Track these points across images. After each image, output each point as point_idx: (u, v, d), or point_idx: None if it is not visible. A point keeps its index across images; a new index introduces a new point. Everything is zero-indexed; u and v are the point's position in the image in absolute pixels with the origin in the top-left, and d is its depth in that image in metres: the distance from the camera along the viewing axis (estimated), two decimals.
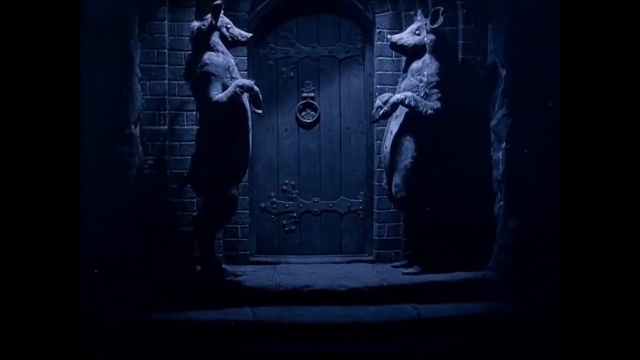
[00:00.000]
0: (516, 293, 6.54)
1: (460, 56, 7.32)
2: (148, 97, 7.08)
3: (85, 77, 5.38)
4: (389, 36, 7.19)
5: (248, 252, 7.53)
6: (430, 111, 6.85)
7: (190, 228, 6.81)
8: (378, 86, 7.48)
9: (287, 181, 7.82)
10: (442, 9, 6.94)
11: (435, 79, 6.92)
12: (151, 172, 7.08)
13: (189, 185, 6.76)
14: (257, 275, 6.95)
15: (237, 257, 7.40)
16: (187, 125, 7.14)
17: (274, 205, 7.80)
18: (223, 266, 6.88)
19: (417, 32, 7.06)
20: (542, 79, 6.64)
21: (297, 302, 6.45)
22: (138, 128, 6.78)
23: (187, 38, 6.77)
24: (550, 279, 5.65)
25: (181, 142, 7.10)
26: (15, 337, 4.39)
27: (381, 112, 6.99)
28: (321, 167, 7.84)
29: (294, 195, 7.81)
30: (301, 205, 7.83)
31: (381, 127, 7.32)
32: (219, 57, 6.54)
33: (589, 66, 4.67)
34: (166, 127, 7.16)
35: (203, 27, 6.57)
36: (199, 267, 6.74)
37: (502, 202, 6.93)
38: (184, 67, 6.67)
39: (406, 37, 7.09)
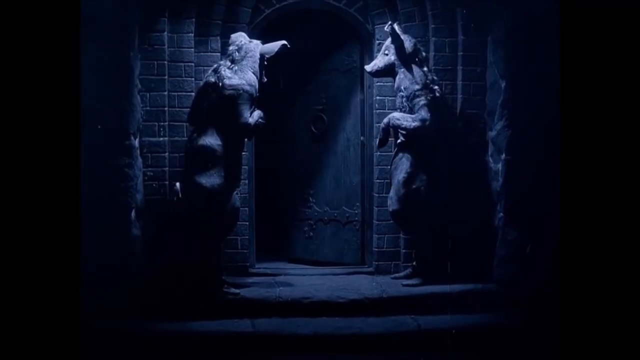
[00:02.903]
0: (516, 305, 6.54)
1: (460, 67, 7.34)
2: (148, 108, 7.08)
3: (85, 89, 5.38)
4: (365, 66, 7.35)
5: (248, 264, 7.52)
6: (414, 124, 6.88)
7: (191, 239, 6.80)
8: (378, 98, 7.50)
9: (306, 190, 8.05)
10: (389, 23, 7.03)
11: (412, 89, 6.96)
12: (151, 183, 7.07)
13: (177, 197, 6.75)
14: (257, 286, 6.94)
15: (237, 269, 7.39)
16: (187, 137, 7.13)
17: (297, 213, 8.07)
18: (223, 277, 6.87)
19: (385, 52, 7.15)
20: (541, 91, 6.65)
21: (297, 314, 6.45)
22: (138, 139, 6.78)
23: (231, 47, 6.77)
24: (550, 290, 5.65)
25: (181, 154, 7.08)
26: (14, 347, 4.39)
27: (377, 141, 7.19)
28: (329, 177, 7.98)
29: (311, 204, 8.02)
30: (315, 214, 8.03)
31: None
32: (257, 83, 6.70)
33: (589, 77, 4.67)
34: (166, 138, 7.16)
35: (251, 47, 6.74)
36: (199, 278, 6.72)
37: (501, 214, 6.93)
38: (221, 73, 6.61)
39: (378, 60, 7.21)
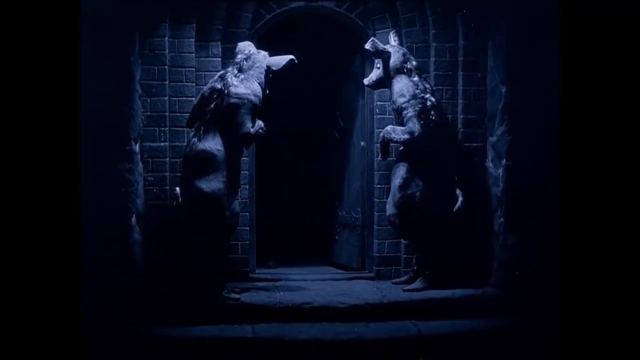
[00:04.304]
0: (516, 310, 6.54)
1: (461, 72, 7.34)
2: (148, 113, 7.08)
3: (86, 94, 5.40)
4: (364, 80, 7.38)
5: (248, 269, 7.51)
6: (404, 136, 6.89)
7: (191, 243, 6.79)
8: (378, 103, 7.51)
9: (332, 194, 8.29)
10: (371, 39, 7.02)
11: (399, 102, 6.96)
12: (151, 188, 7.08)
13: (177, 202, 6.75)
14: (257, 291, 6.94)
15: (238, 274, 7.38)
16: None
17: (328, 216, 8.34)
18: (224, 282, 6.86)
19: (377, 65, 7.17)
20: (542, 96, 6.65)
21: (297, 319, 6.44)
22: (138, 145, 6.78)
23: (239, 56, 6.78)
24: (550, 295, 5.65)
25: (182, 159, 7.07)
26: (16, 351, 4.39)
27: (380, 155, 7.19)
28: (345, 182, 8.13)
29: (335, 208, 8.21)
30: (337, 218, 8.22)
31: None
32: (261, 94, 6.71)
33: (589, 83, 4.68)
34: (167, 143, 7.16)
35: (259, 58, 6.75)
36: (199, 283, 6.72)
37: (502, 219, 6.92)
38: (227, 80, 6.61)
39: (372, 74, 7.25)
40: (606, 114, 4.63)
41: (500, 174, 6.95)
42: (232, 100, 6.55)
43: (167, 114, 7.16)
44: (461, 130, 7.34)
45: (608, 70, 4.66)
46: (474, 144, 7.34)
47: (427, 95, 6.95)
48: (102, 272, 6.12)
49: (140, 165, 6.82)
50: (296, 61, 6.76)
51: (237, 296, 6.68)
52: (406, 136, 6.88)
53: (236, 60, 6.77)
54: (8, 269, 4.39)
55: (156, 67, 7.12)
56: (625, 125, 4.59)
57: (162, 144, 7.16)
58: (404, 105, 6.92)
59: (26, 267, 4.44)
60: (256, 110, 6.68)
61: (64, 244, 4.57)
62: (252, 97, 6.62)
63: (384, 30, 7.43)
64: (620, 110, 4.61)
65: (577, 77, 4.72)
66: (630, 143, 4.57)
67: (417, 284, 7.04)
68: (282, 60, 6.74)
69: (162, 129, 7.16)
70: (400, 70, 7.03)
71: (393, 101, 7.02)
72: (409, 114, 6.89)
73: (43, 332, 4.44)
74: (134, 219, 6.59)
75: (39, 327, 4.44)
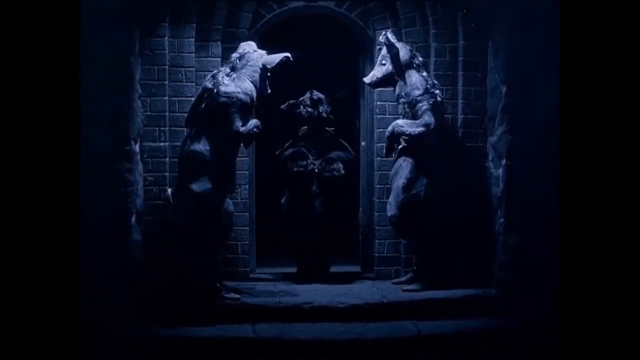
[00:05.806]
0: (516, 310, 6.53)
1: (461, 72, 7.34)
2: (148, 113, 7.08)
3: (86, 93, 5.39)
4: (364, 78, 7.34)
5: (248, 269, 7.51)
6: (419, 129, 6.85)
7: (186, 244, 6.79)
8: (378, 103, 7.51)
9: (356, 194, 8.17)
10: (383, 33, 7.02)
11: (413, 95, 6.93)
12: (151, 188, 7.07)
13: (169, 203, 6.75)
14: (257, 291, 6.94)
15: (237, 274, 7.38)
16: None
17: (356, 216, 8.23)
18: (224, 282, 6.86)
19: (382, 62, 7.13)
20: (542, 96, 6.64)
21: (297, 319, 6.44)
22: (138, 144, 6.77)
23: (234, 55, 6.75)
24: (550, 295, 5.65)
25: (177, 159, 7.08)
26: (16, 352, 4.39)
27: (384, 150, 7.15)
28: (357, 181, 8.07)
29: (359, 206, 8.12)
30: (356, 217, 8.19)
31: (382, 143, 7.33)
32: (254, 92, 6.64)
33: (589, 82, 4.68)
34: (166, 143, 7.16)
35: (253, 57, 6.69)
36: (196, 283, 6.71)
37: (502, 219, 6.92)
38: (218, 79, 6.57)
39: (376, 71, 7.20)
40: (606, 113, 4.64)
41: (501, 174, 6.95)
42: (222, 99, 6.51)
43: (166, 113, 7.16)
44: (461, 130, 7.35)
45: (608, 70, 4.66)
46: (474, 144, 7.34)
47: (437, 91, 6.98)
48: (101, 272, 6.11)
49: (140, 165, 6.81)
50: (291, 59, 6.74)
51: (237, 296, 6.68)
52: (422, 129, 6.84)
53: (230, 59, 6.76)
54: (8, 268, 4.40)
55: (156, 67, 7.11)
56: (625, 125, 4.59)
57: (161, 143, 7.15)
58: (418, 98, 6.89)
59: (26, 267, 4.44)
60: (248, 109, 6.62)
61: (64, 244, 4.57)
62: (242, 96, 6.55)
63: (384, 30, 7.42)
64: (620, 109, 4.61)
65: (576, 77, 4.72)
66: (630, 142, 4.57)
67: (417, 284, 7.03)
68: (276, 57, 6.71)
69: (162, 128, 7.15)
70: (410, 65, 7.02)
71: (406, 94, 6.97)
72: (424, 107, 6.87)
73: (43, 332, 4.44)
74: (133, 219, 6.59)
75: (39, 327, 4.44)
